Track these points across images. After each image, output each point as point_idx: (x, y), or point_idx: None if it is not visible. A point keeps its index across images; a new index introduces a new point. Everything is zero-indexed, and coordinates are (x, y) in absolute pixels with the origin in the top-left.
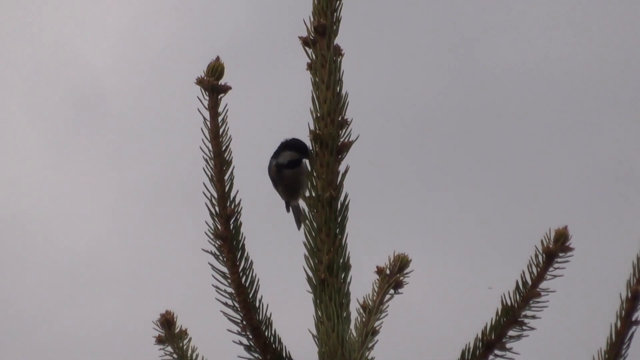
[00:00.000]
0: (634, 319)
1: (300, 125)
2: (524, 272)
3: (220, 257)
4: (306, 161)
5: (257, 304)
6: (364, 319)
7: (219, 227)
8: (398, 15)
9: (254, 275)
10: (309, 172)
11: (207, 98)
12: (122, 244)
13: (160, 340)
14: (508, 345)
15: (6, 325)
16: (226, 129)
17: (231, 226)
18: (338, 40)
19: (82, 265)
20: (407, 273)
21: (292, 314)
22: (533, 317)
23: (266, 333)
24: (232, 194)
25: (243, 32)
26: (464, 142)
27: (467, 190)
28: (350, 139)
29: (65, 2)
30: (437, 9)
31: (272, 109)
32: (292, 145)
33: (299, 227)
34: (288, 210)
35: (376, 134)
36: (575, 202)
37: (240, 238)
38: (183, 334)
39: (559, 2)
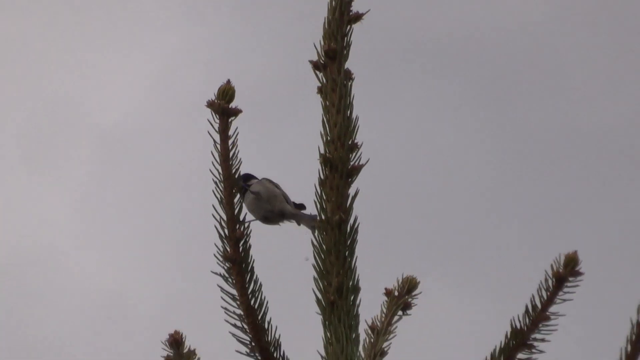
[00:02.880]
0: None
1: (310, 148)
2: (533, 296)
3: (230, 280)
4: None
5: (266, 326)
6: (372, 340)
7: (228, 249)
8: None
9: (263, 297)
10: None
11: (217, 121)
12: (140, 268)
13: None
14: None
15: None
16: (236, 152)
17: (240, 249)
18: (349, 65)
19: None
20: (415, 295)
21: (301, 335)
22: (542, 340)
23: (275, 354)
24: (241, 217)
25: (264, 65)
26: (480, 173)
27: (481, 217)
28: (361, 163)
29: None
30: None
31: (283, 132)
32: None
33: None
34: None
35: (387, 158)
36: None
37: (249, 260)
38: (192, 354)
39: None
